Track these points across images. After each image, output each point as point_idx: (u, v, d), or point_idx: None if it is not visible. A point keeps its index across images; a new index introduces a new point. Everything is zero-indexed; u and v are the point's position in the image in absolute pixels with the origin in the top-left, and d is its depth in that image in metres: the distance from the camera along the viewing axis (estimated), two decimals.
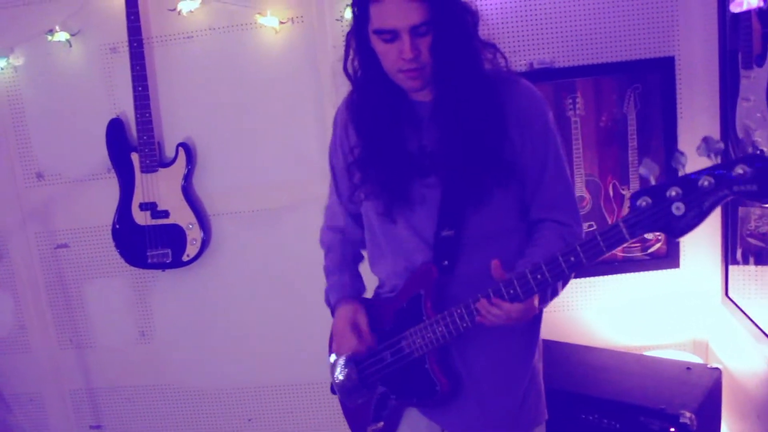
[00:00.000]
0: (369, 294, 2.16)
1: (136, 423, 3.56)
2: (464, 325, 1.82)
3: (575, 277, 1.83)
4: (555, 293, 1.89)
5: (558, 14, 2.93)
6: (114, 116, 3.15)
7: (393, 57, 1.76)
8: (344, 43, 1.89)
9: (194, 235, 3.17)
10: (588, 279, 3.10)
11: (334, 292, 2.12)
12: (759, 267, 2.70)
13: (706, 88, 2.90)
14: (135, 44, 2.99)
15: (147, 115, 3.04)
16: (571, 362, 2.80)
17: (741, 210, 2.72)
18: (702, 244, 2.99)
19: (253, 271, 3.30)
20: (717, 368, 2.64)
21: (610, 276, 3.10)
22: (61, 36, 3.10)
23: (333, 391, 2.15)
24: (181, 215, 3.15)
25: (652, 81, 2.93)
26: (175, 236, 3.17)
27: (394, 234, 1.98)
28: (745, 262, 2.76)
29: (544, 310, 1.95)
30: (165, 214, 3.15)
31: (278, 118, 3.15)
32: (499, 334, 1.89)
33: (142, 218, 3.15)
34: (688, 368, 2.65)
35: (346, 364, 2.06)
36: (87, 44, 3.15)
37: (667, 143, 2.95)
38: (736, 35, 2.63)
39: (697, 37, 2.89)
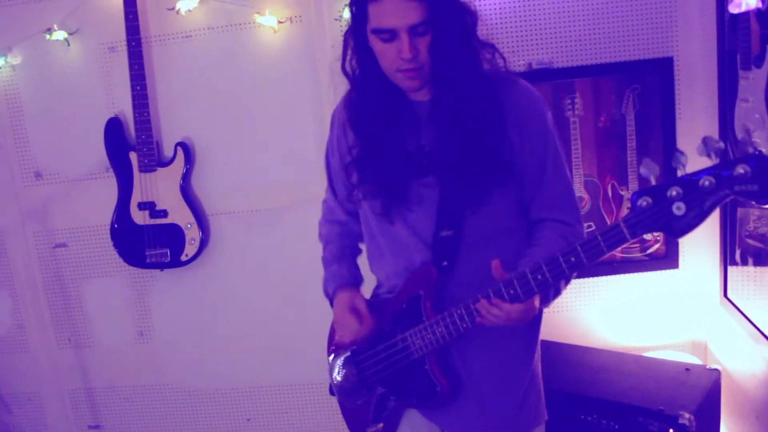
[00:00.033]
0: (367, 294, 2.15)
1: (134, 423, 3.56)
2: (464, 325, 1.82)
3: (575, 277, 1.83)
4: (557, 293, 1.88)
5: (557, 15, 2.93)
6: (112, 115, 3.15)
7: (391, 56, 1.75)
8: (342, 43, 1.89)
9: (193, 234, 3.16)
10: (587, 279, 3.10)
11: (331, 283, 2.12)
12: (758, 268, 2.70)
13: (704, 88, 2.90)
14: (133, 43, 2.98)
15: (145, 114, 3.04)
16: (570, 363, 2.80)
17: (740, 211, 2.72)
18: (701, 244, 3.00)
19: (251, 271, 3.30)
20: (716, 369, 2.64)
21: (609, 276, 3.10)
22: (60, 35, 3.10)
23: (332, 392, 2.15)
24: (180, 215, 3.15)
25: (651, 82, 2.93)
26: (173, 236, 3.17)
27: (392, 234, 1.97)
28: (744, 263, 2.76)
29: (544, 310, 1.95)
30: (163, 213, 3.14)
31: (277, 117, 3.14)
32: (499, 335, 1.89)
33: (140, 218, 3.15)
34: (687, 369, 2.65)
35: (345, 365, 2.06)
36: (85, 43, 3.15)
37: (665, 144, 2.95)
38: (735, 36, 2.63)
39: (696, 38, 2.89)
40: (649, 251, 3.04)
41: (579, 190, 3.00)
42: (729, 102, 2.70)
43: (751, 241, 2.70)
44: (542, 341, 2.09)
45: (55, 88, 3.21)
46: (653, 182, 1.49)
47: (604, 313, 3.15)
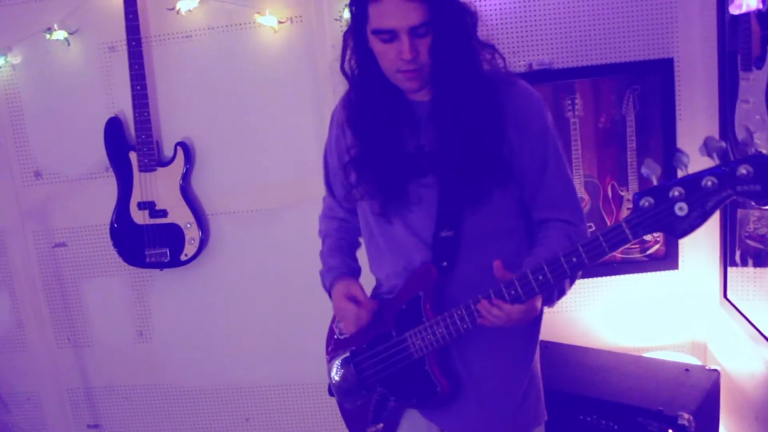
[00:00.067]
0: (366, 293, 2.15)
1: (134, 422, 3.56)
2: (464, 326, 1.82)
3: (579, 277, 1.83)
4: (562, 293, 1.88)
5: (557, 15, 2.93)
6: (112, 115, 3.15)
7: (391, 57, 1.75)
8: (341, 43, 1.89)
9: (192, 234, 3.16)
10: (587, 280, 3.11)
11: (327, 277, 2.12)
12: (757, 269, 2.70)
13: (705, 90, 2.91)
14: (133, 43, 2.98)
15: (145, 114, 3.04)
16: (570, 363, 2.80)
17: (740, 212, 2.72)
18: (701, 245, 3.00)
19: (251, 271, 3.30)
20: (715, 370, 2.64)
21: (608, 277, 3.10)
22: (60, 35, 3.10)
23: (331, 393, 2.15)
24: (180, 214, 3.15)
25: (651, 82, 2.93)
26: (173, 235, 3.16)
27: (391, 234, 1.97)
28: (744, 263, 2.76)
29: (544, 310, 1.95)
30: (163, 213, 3.14)
31: (277, 117, 3.14)
32: (499, 336, 1.89)
33: (140, 217, 3.15)
34: (687, 370, 2.65)
35: (343, 365, 2.06)
36: (85, 43, 3.15)
37: (666, 145, 2.95)
38: (735, 37, 2.63)
39: (697, 39, 2.89)
40: (648, 252, 3.05)
41: (579, 190, 3.00)
42: (729, 103, 2.70)
43: (750, 242, 2.70)
44: (542, 341, 2.09)
45: (55, 87, 3.21)
46: (655, 182, 1.49)
47: (604, 314, 3.15)
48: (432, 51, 1.73)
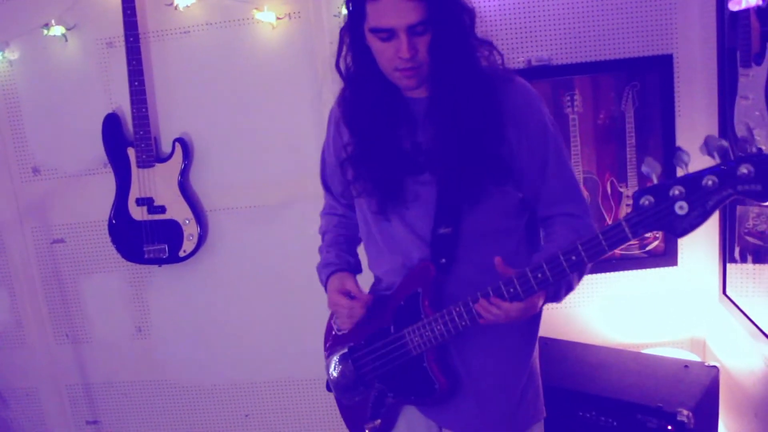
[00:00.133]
0: (365, 290, 2.14)
1: (132, 418, 3.56)
2: (463, 323, 1.81)
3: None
4: (570, 288, 1.87)
5: (556, 11, 2.92)
6: (110, 111, 3.15)
7: (389, 56, 1.75)
8: (338, 39, 1.88)
9: (191, 230, 3.16)
10: (586, 276, 3.08)
11: (323, 272, 2.11)
12: (757, 265, 2.70)
13: (704, 86, 2.90)
14: (131, 39, 2.97)
15: (143, 110, 3.03)
16: (569, 360, 2.80)
17: (739, 208, 2.72)
18: (700, 242, 3.00)
19: (249, 267, 3.30)
20: (714, 366, 2.64)
21: (608, 273, 3.10)
22: (57, 30, 3.09)
23: (329, 389, 2.15)
24: (178, 211, 3.14)
25: (651, 79, 2.93)
26: (171, 232, 3.16)
27: (389, 231, 1.97)
28: (743, 260, 2.76)
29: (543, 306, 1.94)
30: (162, 209, 3.14)
31: (275, 113, 3.14)
32: (498, 333, 1.89)
33: (138, 213, 3.14)
34: (686, 366, 2.65)
35: (342, 361, 2.05)
36: (83, 39, 3.14)
37: (665, 141, 2.95)
38: (735, 33, 2.62)
39: (696, 35, 2.89)
40: (648, 248, 3.05)
41: None
42: (729, 99, 2.70)
43: (750, 239, 2.70)
44: (541, 338, 2.09)
45: (53, 83, 3.20)
46: (655, 181, 1.48)
47: (603, 310, 3.15)
48: (430, 49, 1.73)
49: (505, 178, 1.84)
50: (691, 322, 3.12)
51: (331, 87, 2.90)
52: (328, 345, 2.14)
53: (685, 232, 1.45)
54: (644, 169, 1.50)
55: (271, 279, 3.29)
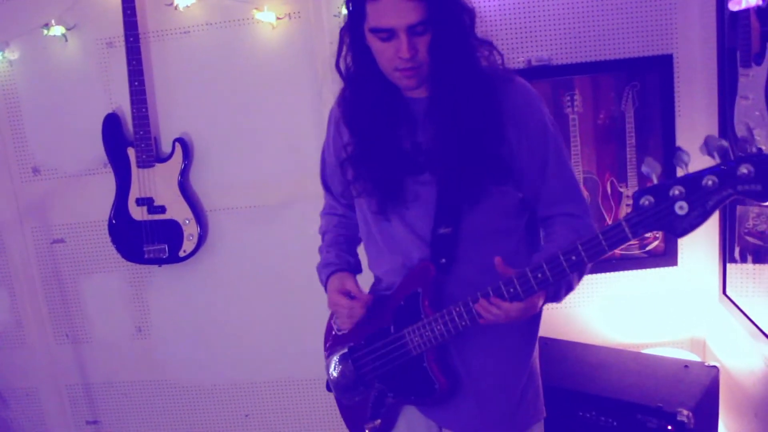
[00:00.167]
0: (365, 290, 2.14)
1: (132, 418, 3.56)
2: (463, 323, 1.81)
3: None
4: (570, 288, 1.87)
5: (556, 11, 2.92)
6: (110, 111, 3.15)
7: (389, 55, 1.74)
8: (338, 39, 1.88)
9: (191, 230, 3.16)
10: (586, 276, 3.08)
11: (323, 272, 2.12)
12: (757, 265, 2.70)
13: (704, 86, 2.90)
14: (131, 39, 2.97)
15: (143, 110, 3.03)
16: (569, 360, 2.80)
17: (739, 208, 2.72)
18: (700, 242, 3.00)
19: (249, 267, 3.30)
20: (714, 366, 2.64)
21: (608, 273, 3.10)
22: (57, 30, 3.09)
23: (329, 389, 2.15)
24: (178, 211, 3.14)
25: (651, 79, 2.93)
26: (171, 232, 3.16)
27: (389, 231, 1.97)
28: (743, 260, 2.76)
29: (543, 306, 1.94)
30: (161, 209, 3.14)
31: (275, 113, 3.14)
32: (498, 333, 1.89)
33: (138, 213, 3.14)
34: (686, 366, 2.65)
35: (342, 361, 2.05)
36: (83, 39, 3.14)
37: (665, 141, 2.95)
38: (735, 33, 2.62)
39: (696, 35, 2.88)
40: (648, 248, 3.05)
41: None
42: (729, 99, 2.70)
43: (750, 239, 2.70)
44: (541, 338, 2.09)
45: (53, 83, 3.20)
46: (655, 181, 1.48)
47: (603, 310, 3.15)
48: (430, 49, 1.73)
49: (505, 178, 1.84)
50: (691, 322, 3.12)
51: (331, 87, 2.90)
52: (328, 345, 2.14)
53: (685, 232, 1.45)
54: (644, 169, 1.50)
55: (271, 279, 3.29)
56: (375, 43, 1.76)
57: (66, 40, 3.12)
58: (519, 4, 2.92)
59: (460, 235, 1.88)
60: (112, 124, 3.12)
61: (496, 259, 1.71)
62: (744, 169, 1.35)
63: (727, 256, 2.87)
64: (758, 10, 2.43)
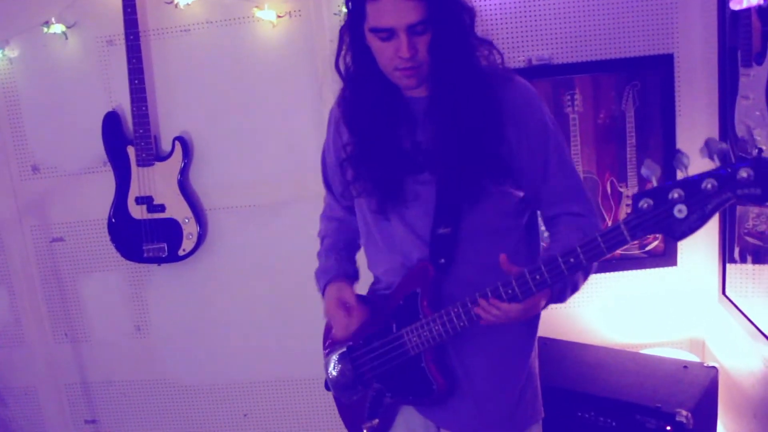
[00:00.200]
0: (364, 290, 2.15)
1: (131, 418, 3.56)
2: (461, 324, 1.81)
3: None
4: (575, 288, 1.86)
5: (557, 11, 2.92)
6: (110, 109, 3.14)
7: (389, 55, 1.74)
8: (338, 39, 1.88)
9: (190, 229, 3.16)
10: None
11: (321, 278, 2.12)
12: (756, 265, 2.70)
13: (705, 86, 2.90)
14: (131, 37, 2.97)
15: (143, 108, 3.03)
16: (568, 360, 2.80)
17: (739, 209, 2.72)
18: (699, 242, 2.99)
19: (249, 267, 3.30)
20: (714, 367, 2.64)
21: (607, 273, 3.10)
22: (57, 28, 3.09)
23: (327, 388, 2.15)
24: (178, 209, 3.14)
25: (651, 78, 2.92)
26: (171, 230, 3.16)
27: (389, 231, 1.97)
28: (743, 260, 2.75)
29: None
30: (161, 208, 3.14)
31: (275, 112, 3.14)
32: (496, 333, 1.88)
33: (138, 212, 3.14)
34: (685, 367, 2.65)
35: (340, 360, 2.05)
36: (83, 36, 3.14)
37: (665, 141, 2.94)
38: (736, 33, 2.62)
39: (697, 35, 2.88)
40: (647, 248, 3.04)
41: None
42: (729, 99, 2.69)
43: (749, 239, 2.70)
44: (539, 338, 2.08)
45: (53, 81, 3.20)
46: (654, 183, 1.48)
47: (602, 310, 3.15)
48: (430, 49, 1.72)
49: (505, 178, 1.83)
50: (690, 323, 3.12)
51: (331, 86, 2.89)
52: (327, 344, 2.14)
53: (683, 235, 1.45)
54: (644, 171, 1.49)
55: (270, 278, 3.29)
56: (375, 43, 1.75)
57: (66, 38, 3.12)
58: (519, 3, 2.92)
59: (460, 235, 1.87)
60: (111, 122, 3.12)
61: (501, 256, 1.70)
62: (744, 173, 1.35)
63: (726, 257, 2.87)
64: (759, 9, 2.43)
